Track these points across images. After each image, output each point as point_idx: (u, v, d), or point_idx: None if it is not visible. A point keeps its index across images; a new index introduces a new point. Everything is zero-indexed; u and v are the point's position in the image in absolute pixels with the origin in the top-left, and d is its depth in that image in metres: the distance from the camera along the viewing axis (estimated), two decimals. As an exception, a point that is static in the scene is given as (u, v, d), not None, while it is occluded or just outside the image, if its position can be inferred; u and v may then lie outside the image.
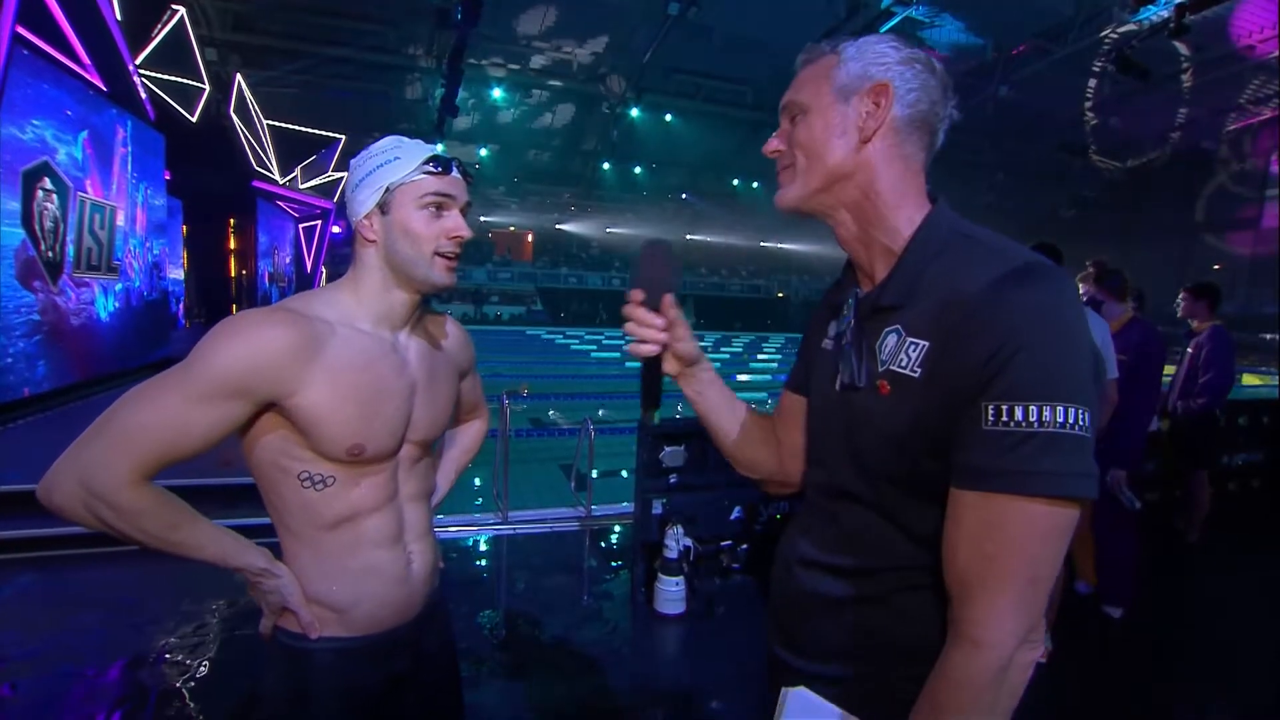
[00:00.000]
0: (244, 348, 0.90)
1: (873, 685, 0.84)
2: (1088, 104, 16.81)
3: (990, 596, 0.69)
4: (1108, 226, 22.47)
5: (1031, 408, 0.66)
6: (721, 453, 1.06)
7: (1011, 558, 0.68)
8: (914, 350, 0.76)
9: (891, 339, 0.79)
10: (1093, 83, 16.45)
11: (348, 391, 0.97)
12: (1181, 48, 14.72)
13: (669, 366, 0.97)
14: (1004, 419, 0.67)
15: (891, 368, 0.78)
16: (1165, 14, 10.59)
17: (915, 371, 0.75)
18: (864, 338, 0.83)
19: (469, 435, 1.43)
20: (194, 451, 0.91)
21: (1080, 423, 0.67)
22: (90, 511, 0.87)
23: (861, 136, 0.80)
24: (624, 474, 5.11)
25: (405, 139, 1.03)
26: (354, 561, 1.02)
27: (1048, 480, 0.66)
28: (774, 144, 0.88)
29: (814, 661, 0.89)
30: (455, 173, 1.04)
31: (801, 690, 0.90)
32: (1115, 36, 13.03)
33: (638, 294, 0.93)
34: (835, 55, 0.83)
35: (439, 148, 1.06)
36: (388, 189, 1.00)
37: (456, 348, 1.21)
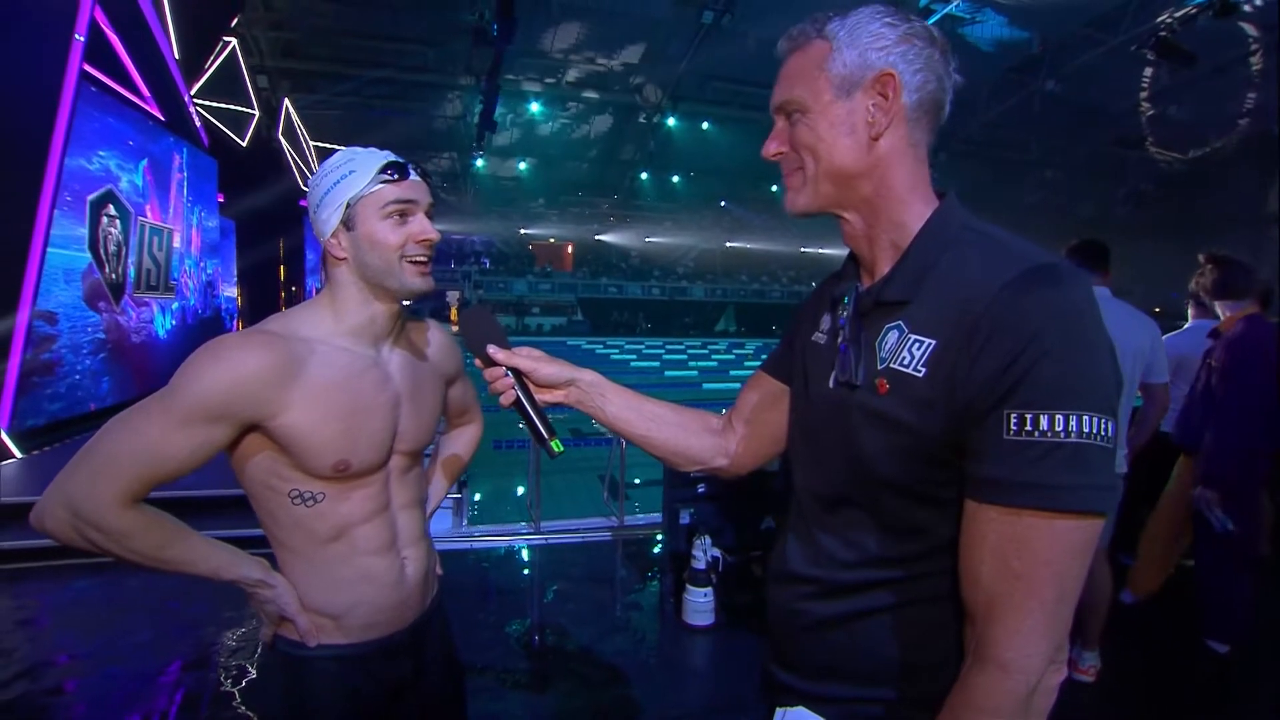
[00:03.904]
0: (222, 372, 0.91)
1: (876, 707, 0.80)
2: (1143, 94, 16.09)
3: (1018, 616, 0.65)
4: (1168, 221, 21.38)
5: (1058, 417, 0.62)
6: (652, 454, 1.04)
7: (1040, 576, 0.64)
8: (918, 348, 0.72)
9: (893, 335, 0.75)
10: (1149, 71, 15.76)
11: (329, 410, 0.97)
12: (1249, 29, 13.98)
13: (549, 397, 1.00)
14: (1028, 428, 0.63)
15: (892, 365, 0.74)
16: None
17: (919, 371, 0.71)
18: (862, 333, 0.79)
19: (462, 441, 1.43)
20: (178, 474, 0.92)
21: (1105, 432, 0.63)
22: (80, 535, 0.89)
23: (872, 134, 0.76)
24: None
25: (359, 149, 1.02)
26: (348, 570, 1.03)
27: (1077, 494, 0.63)
28: (774, 146, 0.83)
29: (811, 681, 0.86)
30: (414, 175, 1.02)
31: (800, 710, 0.86)
32: (1171, 21, 12.45)
33: (477, 361, 1.00)
34: (825, 41, 0.77)
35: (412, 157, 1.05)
36: (348, 204, 0.99)
37: (442, 355, 1.21)
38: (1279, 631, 2.99)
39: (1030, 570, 0.64)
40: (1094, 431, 0.63)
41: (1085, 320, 0.65)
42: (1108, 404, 0.64)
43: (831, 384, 0.82)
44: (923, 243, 0.76)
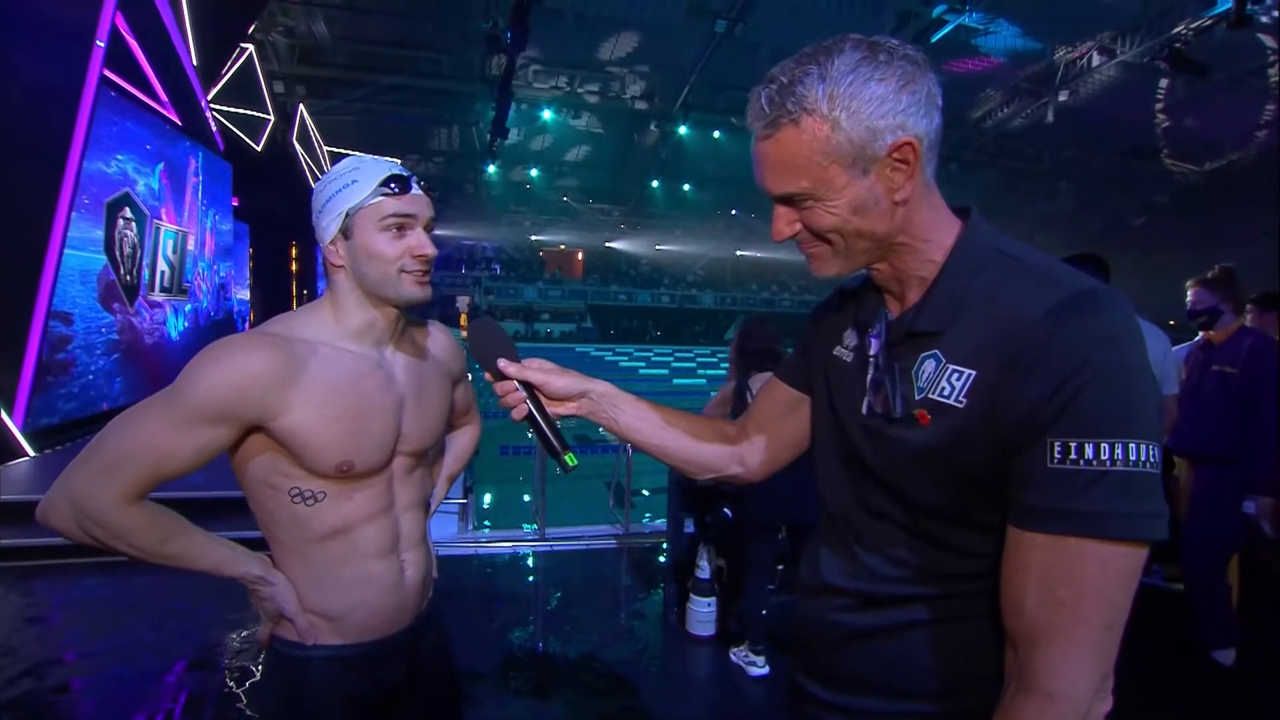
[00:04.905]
0: (225, 374, 0.92)
1: None
2: (1159, 105, 15.98)
3: (1065, 645, 0.64)
4: (1183, 233, 21.16)
5: (1103, 445, 0.62)
6: (666, 463, 1.04)
7: (1087, 604, 0.63)
8: (958, 379, 0.70)
9: (930, 365, 0.73)
10: (1164, 83, 15.66)
11: (332, 411, 0.97)
12: (1268, 40, 13.88)
13: (561, 409, 0.99)
14: (1073, 457, 0.63)
15: (931, 396, 0.72)
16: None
17: (960, 402, 0.70)
18: (896, 362, 0.77)
19: (461, 442, 1.43)
20: (181, 474, 0.93)
21: (1151, 459, 0.63)
22: (84, 531, 0.91)
23: (896, 200, 0.73)
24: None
25: (366, 158, 1.02)
26: (346, 571, 1.03)
27: (1125, 522, 0.62)
28: (787, 231, 0.78)
29: (844, 694, 0.84)
30: (415, 189, 1.01)
31: None
32: (1187, 33, 12.38)
33: (487, 375, 0.98)
34: (817, 120, 0.69)
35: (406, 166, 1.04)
36: (347, 214, 0.99)
37: (446, 356, 1.21)
38: (1268, 645, 2.95)
39: (1077, 599, 0.63)
40: (1140, 459, 0.62)
41: (1128, 347, 0.64)
42: (1152, 430, 0.63)
43: (865, 411, 0.80)
44: (952, 270, 0.75)
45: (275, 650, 1.06)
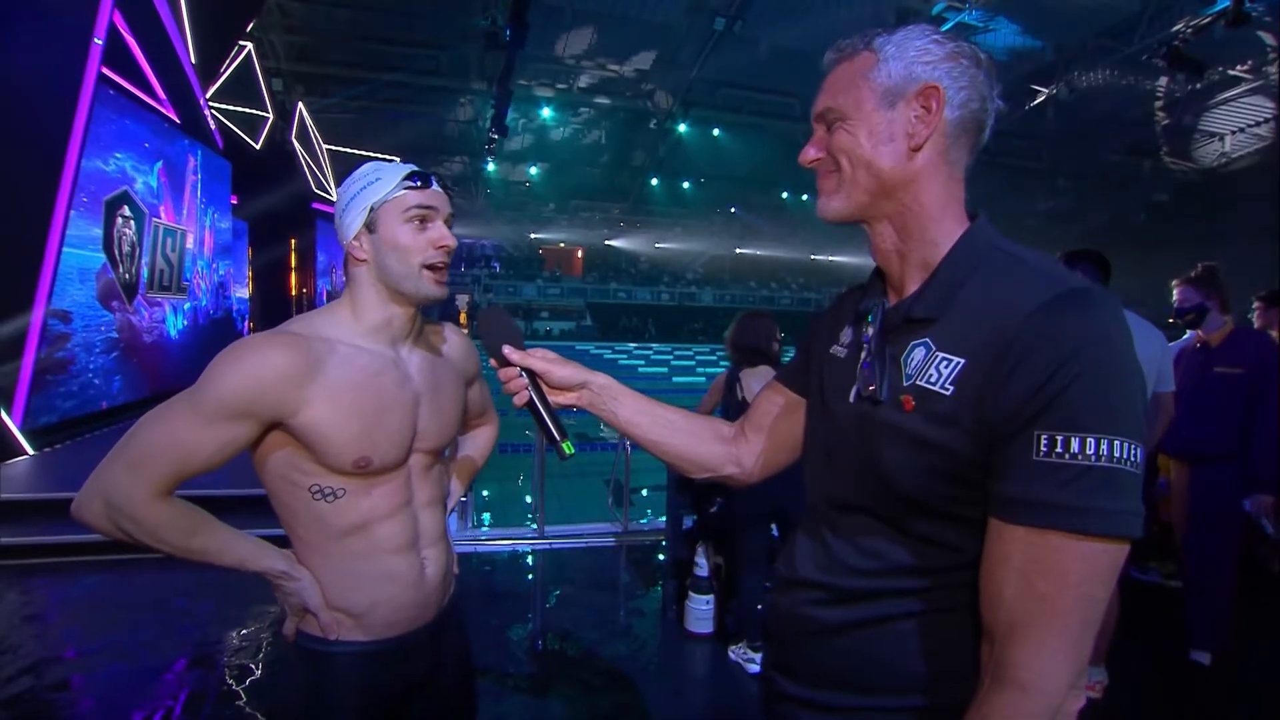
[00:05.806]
0: (246, 372, 0.95)
1: (885, 716, 0.79)
2: (1158, 103, 15.97)
3: (1042, 639, 0.64)
4: (1184, 231, 21.17)
5: (1089, 440, 0.62)
6: (662, 460, 1.05)
7: (1066, 598, 0.63)
8: (946, 367, 0.71)
9: (919, 352, 0.74)
10: (1163, 80, 15.65)
11: (350, 408, 1.00)
12: (1267, 38, 13.89)
13: (562, 399, 1.02)
14: (1058, 450, 0.63)
15: (918, 383, 0.73)
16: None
17: (946, 389, 0.70)
18: (888, 348, 0.78)
19: (479, 440, 1.45)
20: (205, 469, 0.97)
21: (1134, 458, 0.63)
22: (115, 525, 0.95)
23: (911, 145, 0.76)
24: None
25: (385, 162, 1.07)
26: (368, 568, 1.05)
27: (1108, 518, 0.62)
28: (811, 153, 0.83)
29: (812, 688, 0.84)
30: (435, 186, 1.06)
31: None
32: (1185, 31, 12.37)
33: (492, 361, 1.02)
34: (872, 53, 0.77)
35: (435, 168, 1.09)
36: (372, 208, 1.03)
37: (460, 356, 1.24)
38: (1261, 642, 2.96)
39: (1056, 593, 0.64)
40: (1124, 456, 0.62)
41: (1118, 345, 0.65)
42: (1137, 430, 0.64)
43: (853, 398, 0.81)
44: (953, 261, 0.76)
45: (299, 644, 1.08)
